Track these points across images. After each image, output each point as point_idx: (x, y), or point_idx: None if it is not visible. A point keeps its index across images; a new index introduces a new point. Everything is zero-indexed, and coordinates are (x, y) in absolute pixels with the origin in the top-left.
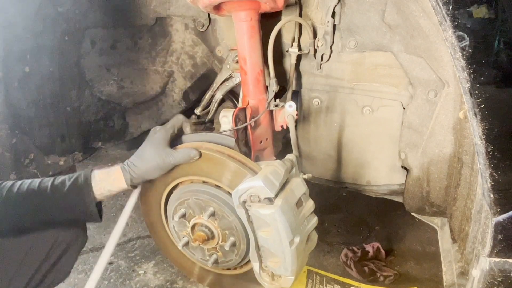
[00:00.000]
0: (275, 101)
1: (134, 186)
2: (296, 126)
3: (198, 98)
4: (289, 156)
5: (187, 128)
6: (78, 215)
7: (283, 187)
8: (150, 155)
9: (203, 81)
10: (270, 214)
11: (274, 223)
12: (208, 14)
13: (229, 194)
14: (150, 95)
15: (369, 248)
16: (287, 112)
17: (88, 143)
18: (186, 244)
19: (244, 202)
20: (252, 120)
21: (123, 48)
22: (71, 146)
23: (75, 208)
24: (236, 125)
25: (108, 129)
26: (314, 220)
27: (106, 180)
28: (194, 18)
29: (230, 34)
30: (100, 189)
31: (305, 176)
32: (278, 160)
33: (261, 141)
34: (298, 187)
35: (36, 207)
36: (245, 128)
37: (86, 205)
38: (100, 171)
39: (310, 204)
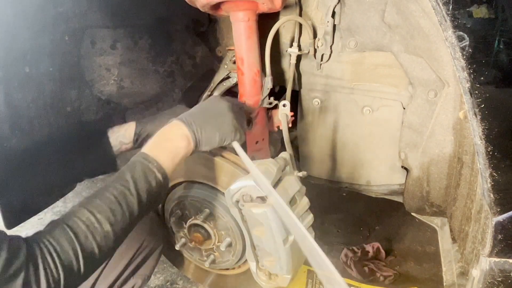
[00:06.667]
0: (269, 99)
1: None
2: (295, 126)
3: (198, 99)
4: (283, 155)
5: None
6: (98, 164)
7: (276, 185)
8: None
9: (203, 81)
10: (263, 213)
11: (267, 222)
12: (209, 14)
13: (223, 194)
14: (150, 95)
15: (369, 248)
16: (281, 110)
17: (87, 143)
18: (184, 245)
19: (237, 201)
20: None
21: (123, 48)
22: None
23: (96, 157)
24: None
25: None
26: (310, 217)
27: (118, 132)
28: (194, 18)
29: (230, 34)
30: (114, 141)
31: (300, 174)
32: (270, 159)
33: (257, 142)
34: (292, 185)
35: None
36: None
37: (105, 154)
38: (116, 126)
39: (304, 202)
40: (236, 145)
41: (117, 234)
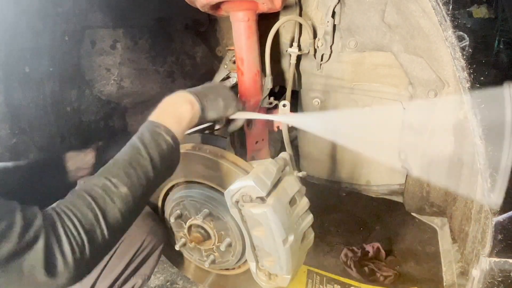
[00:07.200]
0: (269, 99)
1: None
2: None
3: None
4: (282, 155)
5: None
6: (53, 190)
7: (275, 185)
8: None
9: (203, 81)
10: (262, 213)
11: (266, 222)
12: (208, 14)
13: (223, 195)
14: (150, 95)
15: (369, 248)
16: (281, 110)
17: (88, 143)
18: (184, 245)
19: (237, 202)
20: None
21: (123, 48)
22: (71, 146)
23: (51, 183)
24: None
25: (108, 129)
26: (309, 218)
27: (76, 157)
28: (194, 18)
29: (230, 34)
30: (71, 166)
31: (300, 174)
32: (270, 159)
33: (256, 142)
34: (291, 185)
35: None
36: (241, 128)
37: (60, 179)
38: (73, 151)
39: (304, 202)
40: (241, 113)
41: (135, 197)
